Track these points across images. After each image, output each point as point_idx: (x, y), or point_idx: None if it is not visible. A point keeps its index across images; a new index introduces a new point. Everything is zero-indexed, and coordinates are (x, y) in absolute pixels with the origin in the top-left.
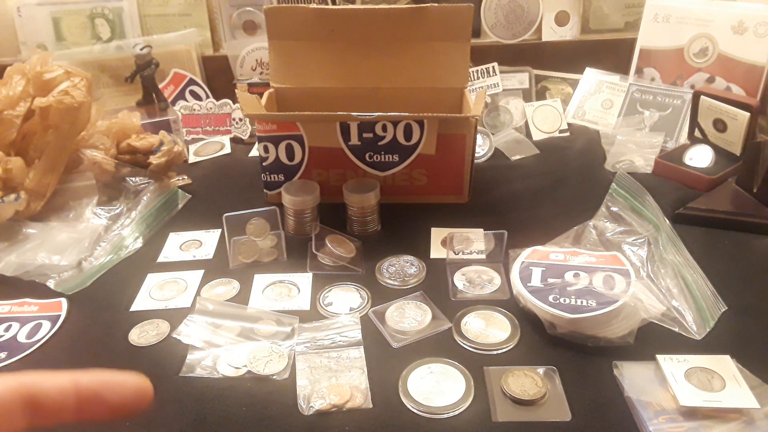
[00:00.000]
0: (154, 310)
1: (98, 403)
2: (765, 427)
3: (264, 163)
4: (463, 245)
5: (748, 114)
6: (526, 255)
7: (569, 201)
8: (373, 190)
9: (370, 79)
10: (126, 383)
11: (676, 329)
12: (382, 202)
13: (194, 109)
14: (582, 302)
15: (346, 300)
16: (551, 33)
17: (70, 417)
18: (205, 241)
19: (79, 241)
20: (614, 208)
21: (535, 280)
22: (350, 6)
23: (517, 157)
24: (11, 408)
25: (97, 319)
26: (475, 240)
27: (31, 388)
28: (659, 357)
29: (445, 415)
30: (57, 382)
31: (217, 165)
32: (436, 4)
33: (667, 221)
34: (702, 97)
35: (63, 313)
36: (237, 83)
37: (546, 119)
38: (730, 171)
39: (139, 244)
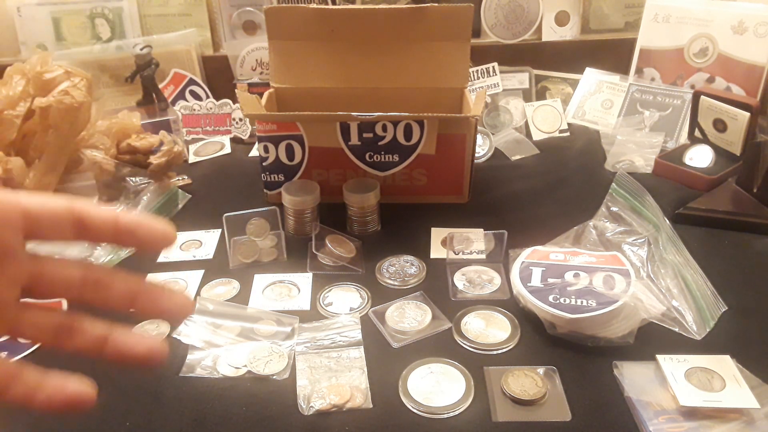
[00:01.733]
0: None
1: (131, 236)
2: (765, 427)
3: (264, 163)
4: (463, 245)
5: (748, 114)
6: (526, 255)
7: (569, 201)
8: (373, 190)
9: (370, 79)
10: (155, 227)
11: (676, 329)
12: (382, 202)
13: (194, 109)
14: (582, 302)
15: (346, 300)
16: (551, 33)
17: (108, 240)
18: (205, 241)
19: None
20: (614, 208)
21: (535, 280)
22: (350, 6)
23: (517, 157)
24: (63, 220)
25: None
26: (475, 240)
27: (81, 210)
28: (659, 357)
29: (445, 415)
30: (103, 213)
31: (217, 165)
32: (436, 4)
33: (667, 221)
34: (702, 97)
35: None
36: (237, 83)
37: (546, 119)
38: (730, 171)
39: None
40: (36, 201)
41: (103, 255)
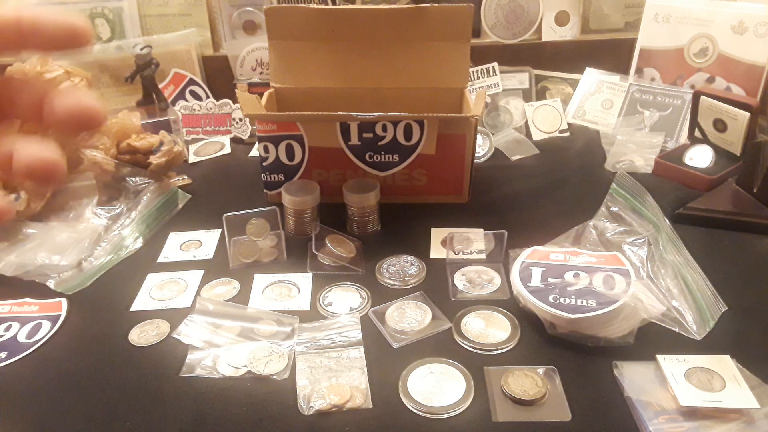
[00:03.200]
0: (154, 310)
1: (35, 35)
2: (765, 427)
3: (264, 163)
4: (463, 245)
5: (748, 114)
6: (526, 255)
7: (569, 201)
8: (373, 190)
9: (370, 79)
10: (60, 21)
11: (676, 329)
12: (382, 202)
13: (194, 109)
14: (582, 302)
15: (346, 300)
16: (551, 33)
17: (11, 46)
18: (205, 241)
19: (79, 241)
20: (614, 208)
21: (535, 280)
22: (350, 6)
23: (517, 157)
24: None
25: (97, 319)
26: (475, 240)
27: None
28: (659, 357)
29: (445, 415)
30: (6, 11)
31: (217, 165)
32: (436, 4)
33: (667, 221)
34: (702, 97)
35: (63, 313)
36: (237, 83)
37: (546, 119)
38: (730, 171)
39: (139, 244)
40: None
41: (103, 255)
